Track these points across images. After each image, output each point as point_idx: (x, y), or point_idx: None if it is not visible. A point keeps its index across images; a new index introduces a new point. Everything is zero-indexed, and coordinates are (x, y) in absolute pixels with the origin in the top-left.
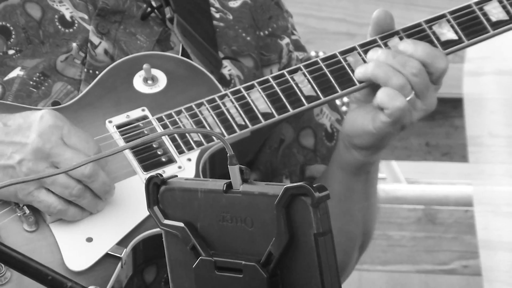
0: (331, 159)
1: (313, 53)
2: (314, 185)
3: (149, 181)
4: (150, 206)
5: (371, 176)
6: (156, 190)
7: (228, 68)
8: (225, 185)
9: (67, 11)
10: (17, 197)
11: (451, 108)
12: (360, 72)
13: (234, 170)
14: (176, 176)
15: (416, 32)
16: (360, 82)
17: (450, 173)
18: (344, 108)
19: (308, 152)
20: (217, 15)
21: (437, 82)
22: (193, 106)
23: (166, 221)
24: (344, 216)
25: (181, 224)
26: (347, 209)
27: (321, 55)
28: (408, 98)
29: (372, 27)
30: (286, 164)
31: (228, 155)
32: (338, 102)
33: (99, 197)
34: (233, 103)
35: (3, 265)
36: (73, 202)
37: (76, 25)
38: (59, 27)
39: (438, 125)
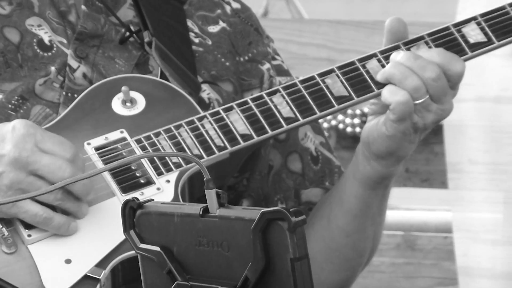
0: (346, 175)
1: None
2: (290, 210)
3: (125, 205)
4: (126, 230)
5: (387, 191)
6: (132, 214)
7: (207, 92)
8: (202, 209)
9: (45, 35)
10: (0, 211)
11: (431, 134)
12: (379, 73)
13: (211, 194)
14: (153, 199)
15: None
16: (379, 84)
17: (429, 199)
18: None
19: (297, 176)
20: (196, 40)
21: (454, 87)
22: (172, 128)
23: (142, 245)
24: (358, 232)
25: (157, 248)
26: (362, 225)
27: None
28: (420, 101)
29: (386, 36)
30: (277, 190)
31: (204, 179)
32: (350, 111)
33: (80, 200)
34: (212, 124)
35: None
36: (58, 212)
37: (54, 48)
38: (38, 50)
39: (418, 151)
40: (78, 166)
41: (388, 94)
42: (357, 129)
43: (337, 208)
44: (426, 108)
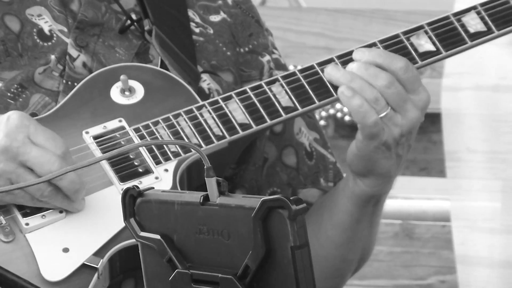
0: (339, 189)
1: (291, 67)
2: (291, 198)
3: (125, 193)
4: (126, 218)
5: (378, 208)
6: (132, 202)
7: (207, 82)
8: (202, 197)
9: (45, 25)
10: None
11: (429, 123)
12: (341, 86)
13: (211, 182)
14: (153, 188)
15: (394, 44)
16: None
17: (427, 188)
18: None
19: (291, 170)
20: (197, 30)
21: (413, 91)
22: (171, 117)
23: (143, 233)
24: (348, 244)
25: (158, 237)
26: (351, 238)
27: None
28: (382, 114)
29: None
30: (270, 183)
31: (205, 167)
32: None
33: (69, 198)
34: (210, 113)
35: None
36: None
37: (54, 38)
38: (38, 40)
39: (416, 140)
40: (67, 163)
41: (358, 114)
42: None
43: (327, 218)
44: (391, 121)
